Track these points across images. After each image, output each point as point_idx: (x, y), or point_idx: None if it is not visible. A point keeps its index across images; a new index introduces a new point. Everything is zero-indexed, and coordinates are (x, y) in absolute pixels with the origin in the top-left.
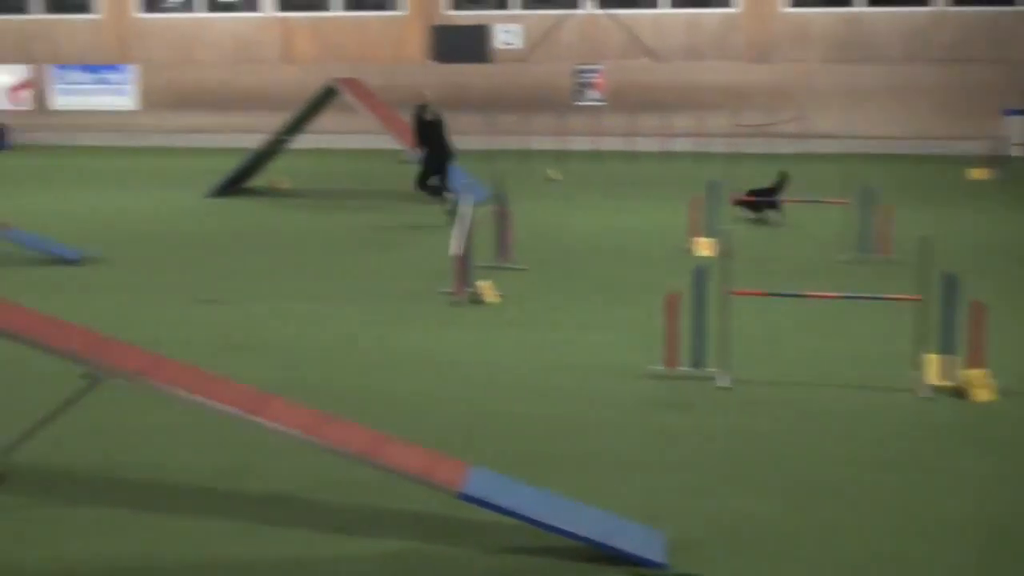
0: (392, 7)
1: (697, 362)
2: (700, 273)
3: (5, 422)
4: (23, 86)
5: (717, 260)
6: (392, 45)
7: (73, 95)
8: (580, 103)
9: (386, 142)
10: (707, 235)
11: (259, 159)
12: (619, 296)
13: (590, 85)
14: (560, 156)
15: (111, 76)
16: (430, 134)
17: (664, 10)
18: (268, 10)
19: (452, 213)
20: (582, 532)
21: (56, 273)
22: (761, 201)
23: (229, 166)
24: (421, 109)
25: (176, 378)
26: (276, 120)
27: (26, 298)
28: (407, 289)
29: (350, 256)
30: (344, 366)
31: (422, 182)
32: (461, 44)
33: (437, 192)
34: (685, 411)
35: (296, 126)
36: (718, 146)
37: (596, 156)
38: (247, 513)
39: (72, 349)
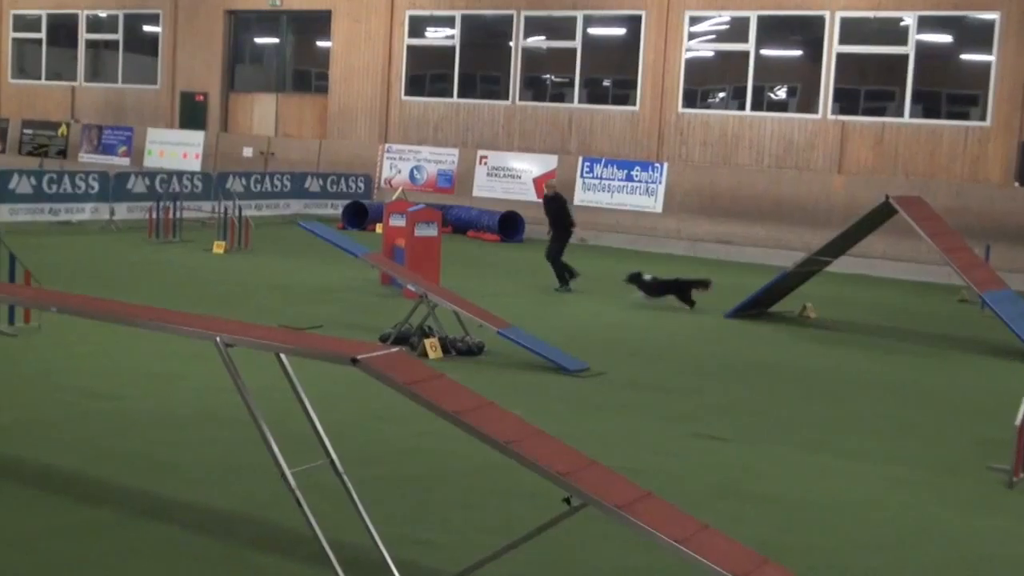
0: (974, 116)
1: None
2: None
3: (478, 536)
4: (547, 178)
5: None
6: (968, 161)
7: (598, 191)
8: None
9: (946, 275)
10: None
11: (791, 280)
12: None
13: None
14: None
15: (640, 174)
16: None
17: None
18: (825, 112)
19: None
20: None
21: (550, 382)
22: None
23: (755, 284)
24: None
25: (662, 521)
26: (817, 237)
27: (516, 403)
28: (942, 454)
29: (875, 403)
30: (855, 536)
31: (554, 258)
32: None
33: (563, 273)
34: None
35: (840, 247)
36: None
37: None
38: None
39: (555, 471)
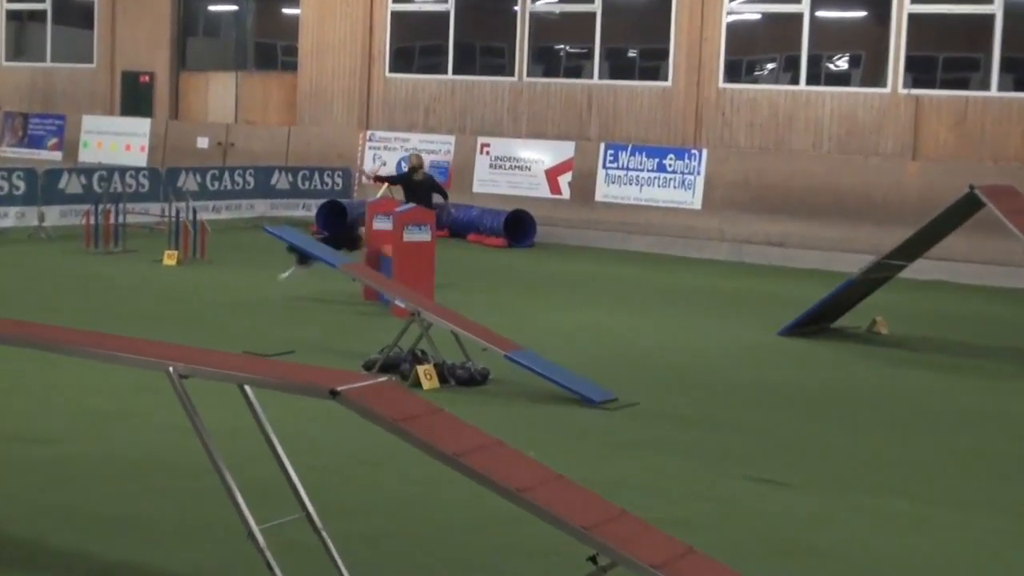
0: None
1: None
2: None
3: None
4: (562, 169)
5: None
6: None
7: (623, 184)
8: None
9: None
10: None
11: (858, 289)
12: None
13: None
14: None
15: (674, 163)
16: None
17: None
18: (896, 85)
19: None
20: None
21: (570, 415)
22: None
23: (814, 294)
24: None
25: None
26: (887, 237)
27: (529, 442)
28: None
29: (964, 438)
30: None
31: None
32: None
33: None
34: None
35: (915, 248)
36: None
37: None
38: None
39: (578, 524)
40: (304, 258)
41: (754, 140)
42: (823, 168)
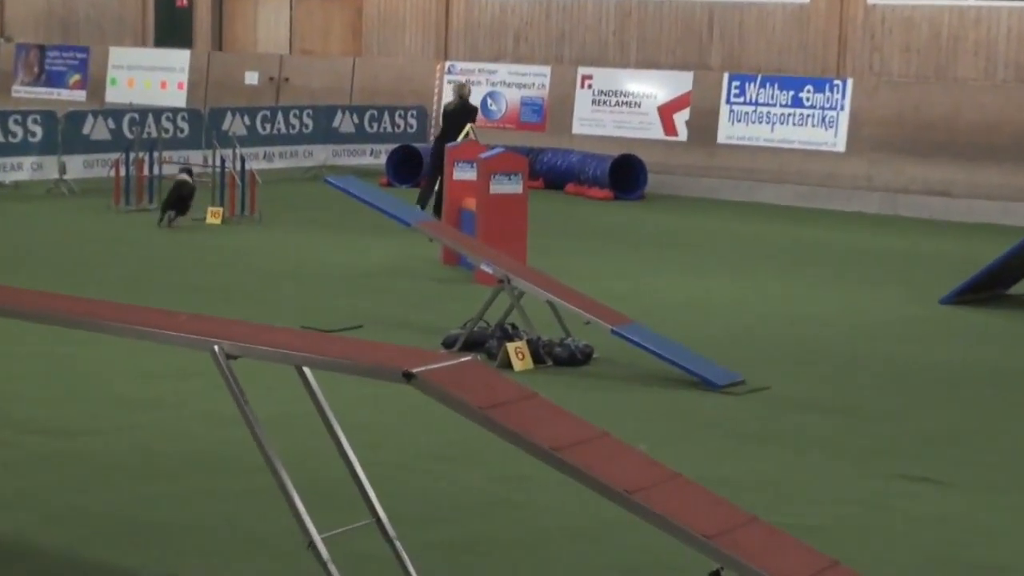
0: None
1: None
2: None
3: None
4: (678, 105)
5: None
6: None
7: (751, 122)
8: None
9: None
10: None
11: None
12: None
13: None
14: None
15: (812, 96)
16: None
17: None
18: None
19: None
20: None
21: (689, 401)
22: None
23: (986, 254)
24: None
25: None
26: None
27: (640, 434)
28: None
29: None
30: None
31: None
32: None
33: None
34: None
35: None
36: None
37: None
38: None
39: (700, 532)
40: (181, 203)
41: (911, 67)
42: (997, 100)
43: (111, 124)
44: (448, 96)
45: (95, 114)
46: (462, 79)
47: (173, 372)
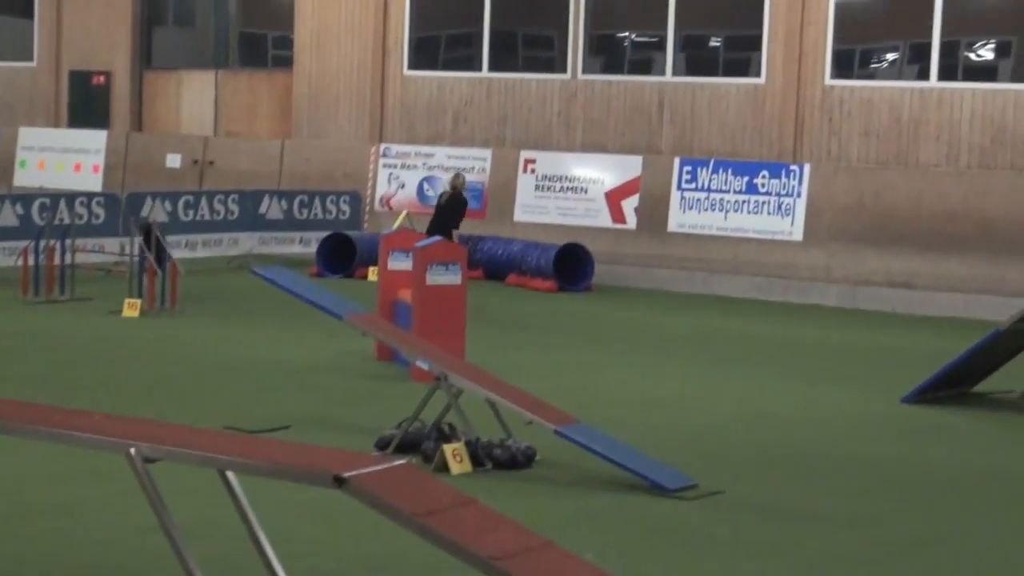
0: None
1: None
2: None
3: None
4: (626, 191)
5: None
6: None
7: (703, 210)
8: None
9: None
10: None
11: (1006, 343)
12: None
13: None
14: None
15: (768, 182)
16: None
17: None
18: None
19: None
20: None
21: (639, 507)
22: None
23: (950, 350)
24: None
25: None
26: None
27: (587, 542)
28: None
29: None
30: None
31: None
32: None
33: None
34: None
35: None
36: None
37: None
38: None
39: None
40: None
41: (871, 152)
42: (961, 188)
43: (19, 209)
44: (383, 182)
45: (2, 199)
46: (454, 173)
47: (87, 475)
